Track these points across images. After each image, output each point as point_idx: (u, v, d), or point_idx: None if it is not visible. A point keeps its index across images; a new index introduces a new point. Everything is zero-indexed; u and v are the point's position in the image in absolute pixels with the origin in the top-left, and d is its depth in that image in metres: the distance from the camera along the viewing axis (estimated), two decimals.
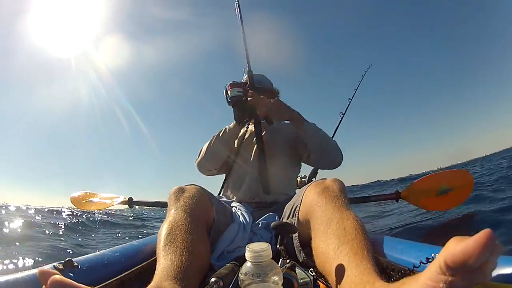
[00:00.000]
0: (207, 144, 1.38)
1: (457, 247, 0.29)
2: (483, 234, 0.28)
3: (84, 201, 2.10)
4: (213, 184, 1.51)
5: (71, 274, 0.73)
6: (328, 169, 1.32)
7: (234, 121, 1.32)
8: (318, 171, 1.85)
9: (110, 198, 2.10)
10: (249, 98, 1.20)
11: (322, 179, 0.93)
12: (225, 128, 1.36)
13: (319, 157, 1.26)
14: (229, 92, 1.25)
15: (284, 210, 1.03)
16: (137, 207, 2.19)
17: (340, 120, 1.99)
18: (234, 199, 1.26)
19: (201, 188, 0.98)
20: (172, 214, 0.81)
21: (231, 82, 1.25)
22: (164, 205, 1.83)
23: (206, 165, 1.39)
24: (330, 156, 1.25)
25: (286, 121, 1.38)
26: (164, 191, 1.29)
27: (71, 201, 2.17)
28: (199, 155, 1.41)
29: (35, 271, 0.70)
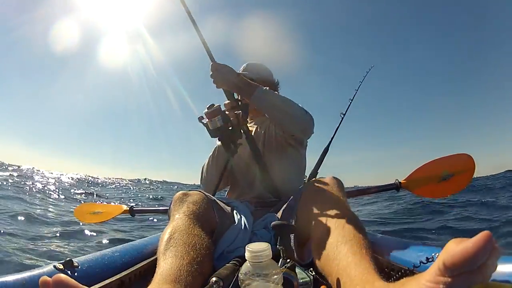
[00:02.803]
0: (205, 166, 1.33)
1: (456, 249, 0.30)
2: (482, 236, 0.29)
3: (87, 214, 2.12)
4: None
5: (71, 274, 0.73)
6: (299, 135, 1.21)
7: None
8: (319, 170, 1.84)
9: (112, 209, 2.10)
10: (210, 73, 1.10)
11: (320, 177, 0.93)
12: (217, 147, 1.31)
13: (286, 127, 1.16)
14: (209, 124, 1.09)
15: (283, 209, 1.03)
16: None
17: (341, 121, 1.98)
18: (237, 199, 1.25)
19: (204, 193, 0.99)
20: (176, 219, 0.82)
21: (206, 110, 1.09)
22: (164, 212, 1.84)
23: (209, 190, 1.30)
24: (294, 121, 1.12)
25: None
26: None
27: (75, 214, 2.19)
28: (201, 177, 1.36)
29: (35, 271, 0.70)
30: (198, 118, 1.13)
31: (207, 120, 1.09)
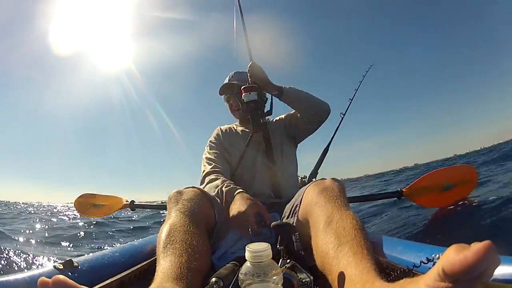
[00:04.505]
0: (210, 186, 1.13)
1: (456, 257, 0.29)
2: (483, 246, 0.28)
3: (88, 206, 2.07)
4: None
5: (71, 274, 0.73)
6: (322, 118, 1.33)
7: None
8: (319, 171, 1.84)
9: (112, 202, 2.06)
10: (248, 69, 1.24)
11: (321, 179, 0.93)
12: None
13: (310, 112, 1.30)
14: (244, 97, 1.21)
15: (284, 209, 1.03)
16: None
17: (341, 120, 1.98)
18: None
19: (201, 190, 0.98)
20: (172, 217, 0.82)
21: (245, 85, 1.22)
22: (164, 207, 1.81)
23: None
24: (319, 106, 1.30)
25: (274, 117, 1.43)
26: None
27: (75, 205, 2.10)
28: (203, 184, 1.20)
29: (35, 271, 0.70)
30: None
31: (243, 94, 1.22)
